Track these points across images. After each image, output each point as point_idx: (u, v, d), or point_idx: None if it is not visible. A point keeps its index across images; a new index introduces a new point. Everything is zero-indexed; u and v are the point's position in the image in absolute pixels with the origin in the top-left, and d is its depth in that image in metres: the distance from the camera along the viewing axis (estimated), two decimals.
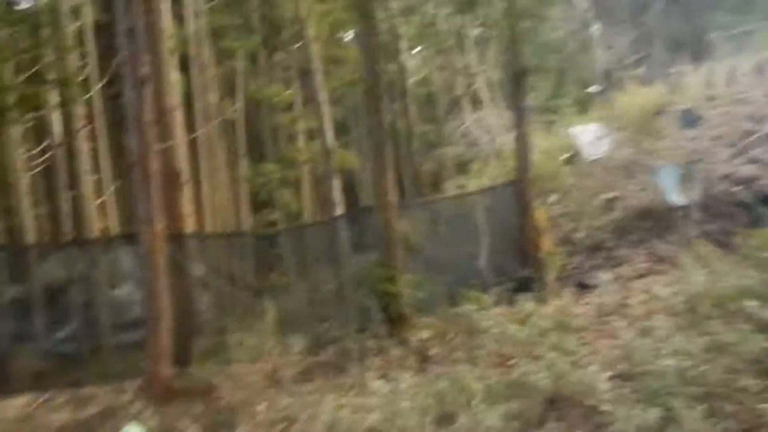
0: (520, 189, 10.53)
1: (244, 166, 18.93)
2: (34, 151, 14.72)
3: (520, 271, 9.69)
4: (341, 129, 19.93)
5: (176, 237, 8.53)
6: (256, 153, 19.68)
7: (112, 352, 8.13)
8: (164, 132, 9.98)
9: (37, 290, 8.74)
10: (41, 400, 7.21)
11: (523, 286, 9.23)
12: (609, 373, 5.92)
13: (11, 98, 12.32)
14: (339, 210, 13.63)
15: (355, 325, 8.10)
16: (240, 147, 19.50)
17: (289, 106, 20.48)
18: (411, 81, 21.82)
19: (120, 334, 8.63)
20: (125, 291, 9.64)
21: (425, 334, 7.69)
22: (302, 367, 7.01)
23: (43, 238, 14.52)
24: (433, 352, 7.22)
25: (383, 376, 6.33)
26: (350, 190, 19.44)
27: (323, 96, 15.56)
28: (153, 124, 8.19)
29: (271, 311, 7.68)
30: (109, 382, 7.39)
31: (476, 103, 20.97)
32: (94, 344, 8.40)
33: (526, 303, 8.34)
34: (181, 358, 7.12)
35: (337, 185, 14.11)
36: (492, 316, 7.92)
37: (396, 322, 7.91)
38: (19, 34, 14.08)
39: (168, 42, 12.87)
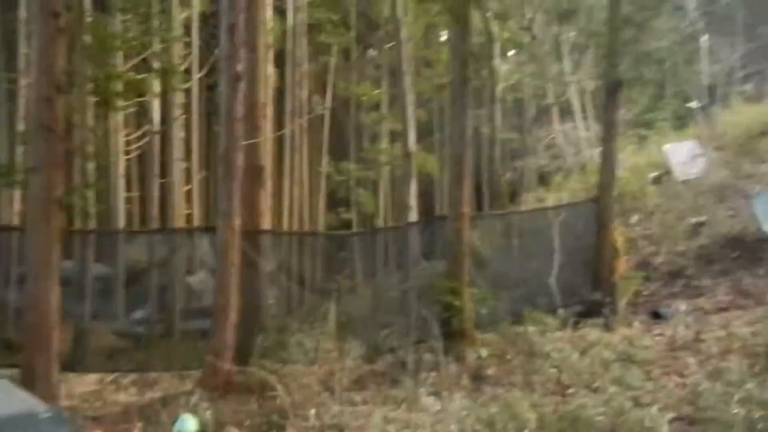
0: (600, 207, 10.17)
1: (325, 163, 19.29)
2: (132, 137, 15.59)
3: (591, 294, 9.34)
4: (425, 132, 19.89)
5: (252, 233, 8.80)
6: (339, 151, 20.01)
7: (180, 338, 8.51)
8: (253, 127, 10.30)
9: (120, 271, 9.27)
10: (110, 379, 7.65)
11: (593, 310, 8.91)
12: (672, 415, 5.62)
13: (118, 85, 13.07)
14: (414, 214, 13.63)
15: (414, 336, 8.08)
16: (324, 144, 19.88)
17: (376, 106, 20.65)
18: (501, 86, 21.45)
19: (190, 320, 9.02)
20: (199, 278, 10.08)
21: (484, 352, 7.56)
22: (357, 374, 7.08)
23: (132, 219, 15.38)
24: (489, 372, 7.10)
25: (436, 393, 6.28)
26: (428, 195, 19.40)
27: (410, 97, 15.55)
28: (242, 120, 8.45)
29: (333, 314, 7.80)
30: (174, 368, 7.74)
31: (565, 113, 20.36)
32: (165, 328, 8.83)
33: (593, 329, 8.04)
34: (242, 353, 7.37)
35: (413, 189, 14.10)
36: (555, 339, 7.70)
37: (455, 336, 7.82)
38: (130, 21, 14.86)
39: (266, 37, 13.25)
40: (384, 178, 19.70)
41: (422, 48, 21.15)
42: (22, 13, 15.06)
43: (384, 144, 19.46)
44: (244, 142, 8.69)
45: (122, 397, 6.94)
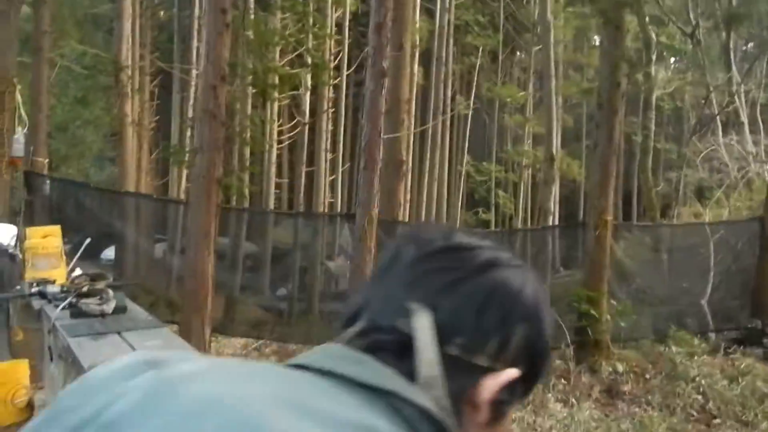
0: (766, 227, 9.26)
1: (465, 163, 19.23)
2: (285, 127, 16.54)
3: (749, 321, 8.53)
4: (571, 136, 19.19)
5: (389, 223, 9.00)
6: (480, 151, 19.86)
7: (318, 318, 8.89)
8: (395, 122, 10.58)
9: (267, 250, 9.86)
10: (253, 346, 8.19)
11: (750, 338, 8.13)
12: None
13: (274, 78, 13.99)
14: (554, 219, 13.24)
15: None
16: (465, 143, 19.83)
17: (521, 108, 20.27)
18: (657, 93, 20.18)
19: (327, 302, 9.41)
20: (338, 263, 10.48)
21: (620, 366, 7.16)
22: None
23: (281, 204, 16.30)
24: (625, 388, 6.72)
25: (564, 401, 6.07)
26: (571, 201, 18.70)
27: (556, 101, 15.16)
28: (384, 115, 8.67)
29: None
30: (311, 343, 8.12)
31: (731, 125, 18.72)
32: (305, 307, 9.27)
33: (749, 359, 7.34)
34: None
35: (554, 193, 13.70)
36: (702, 364, 7.12)
37: (589, 347, 7.48)
38: (288, 19, 15.84)
39: (413, 37, 13.55)
40: (525, 181, 19.24)
41: (572, 51, 20.47)
42: (196, 10, 16.58)
43: (526, 147, 19.01)
44: (386, 136, 8.91)
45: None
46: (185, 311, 6.58)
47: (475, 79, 21.14)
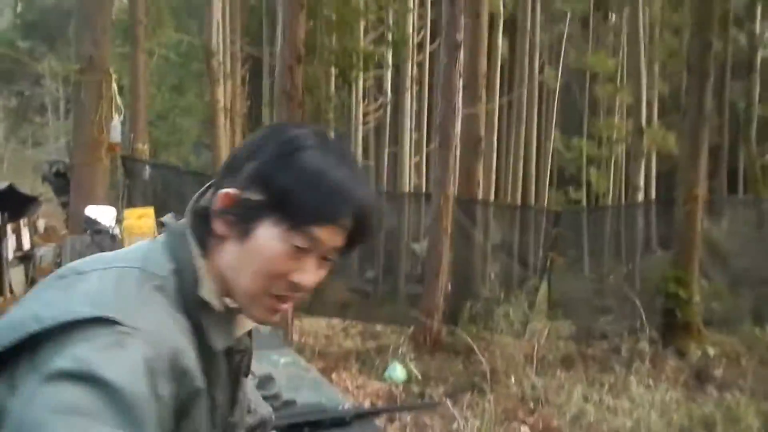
0: None
1: (553, 138, 18.57)
2: (370, 108, 16.65)
3: None
4: (672, 106, 18.04)
5: (466, 202, 8.95)
6: (571, 126, 19.08)
7: (403, 300, 9.05)
8: (473, 97, 10.36)
9: None
10: (341, 326, 8.50)
11: None
12: None
13: (356, 58, 14.08)
14: (643, 196, 12.64)
15: (630, 323, 7.58)
16: (552, 117, 19.17)
17: (613, 77, 19.27)
18: (764, 54, 18.63)
19: (412, 284, 9.54)
20: (424, 246, 10.58)
21: (711, 350, 6.84)
22: (564, 353, 6.90)
23: None
24: (716, 373, 6.41)
25: (648, 386, 5.88)
26: (668, 176, 17.70)
27: (644, 67, 14.27)
28: (462, 90, 8.53)
29: (544, 291, 7.66)
30: (394, 324, 8.28)
31: None
32: (389, 288, 9.45)
33: None
34: (451, 316, 7.60)
35: (644, 168, 13.04)
36: None
37: (678, 330, 7.18)
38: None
39: (493, 4, 13.08)
40: (618, 156, 18.31)
41: (670, 11, 19.17)
42: None
43: (618, 119, 18.07)
44: (462, 112, 8.77)
45: (347, 343, 7.70)
46: None
47: (564, 48, 20.32)
